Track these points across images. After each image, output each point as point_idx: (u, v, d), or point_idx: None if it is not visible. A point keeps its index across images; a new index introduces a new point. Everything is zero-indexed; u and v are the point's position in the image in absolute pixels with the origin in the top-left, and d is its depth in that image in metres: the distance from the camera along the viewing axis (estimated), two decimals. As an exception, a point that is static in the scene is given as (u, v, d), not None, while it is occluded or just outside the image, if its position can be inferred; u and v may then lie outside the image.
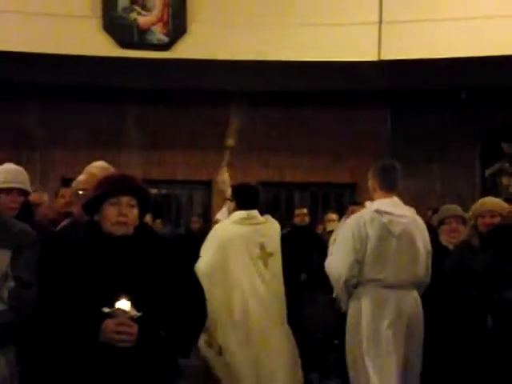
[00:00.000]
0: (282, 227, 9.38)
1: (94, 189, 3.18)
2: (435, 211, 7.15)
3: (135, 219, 3.12)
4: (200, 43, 9.85)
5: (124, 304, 2.87)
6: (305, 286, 7.92)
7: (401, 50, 9.64)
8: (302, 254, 7.92)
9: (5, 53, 9.31)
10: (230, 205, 5.38)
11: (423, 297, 4.93)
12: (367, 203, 5.01)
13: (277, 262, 5.16)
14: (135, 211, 3.11)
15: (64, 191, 5.95)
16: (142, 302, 2.92)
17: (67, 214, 4.89)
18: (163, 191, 11.32)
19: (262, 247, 5.06)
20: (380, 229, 4.80)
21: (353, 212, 7.56)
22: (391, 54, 9.68)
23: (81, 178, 3.77)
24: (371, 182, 5.01)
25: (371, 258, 4.79)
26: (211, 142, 11.17)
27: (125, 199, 3.08)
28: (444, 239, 5.59)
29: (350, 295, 4.87)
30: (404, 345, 4.74)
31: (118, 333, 2.86)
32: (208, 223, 9.80)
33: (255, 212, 5.15)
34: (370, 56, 9.77)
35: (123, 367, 2.93)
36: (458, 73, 9.83)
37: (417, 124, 11.33)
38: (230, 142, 8.07)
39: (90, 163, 3.87)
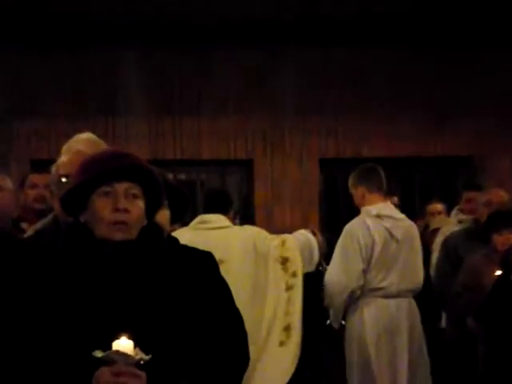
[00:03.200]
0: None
1: (76, 174, 2.96)
2: None
3: (140, 217, 2.92)
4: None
5: (125, 344, 2.70)
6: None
7: None
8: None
9: None
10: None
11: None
12: (363, 209, 6.35)
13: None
14: (139, 204, 2.91)
15: (35, 178, 5.91)
16: (153, 340, 2.77)
17: (40, 212, 4.93)
18: (182, 176, 11.19)
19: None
20: (384, 234, 6.19)
21: (469, 201, 7.48)
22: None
23: (63, 159, 3.57)
24: (357, 189, 6.38)
25: (376, 266, 6.18)
26: (250, 102, 10.57)
27: (122, 187, 2.90)
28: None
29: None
30: (407, 351, 6.26)
31: (117, 386, 2.48)
32: (250, 219, 9.65)
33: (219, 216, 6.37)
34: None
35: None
36: None
37: None
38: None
39: (71, 137, 3.73)
